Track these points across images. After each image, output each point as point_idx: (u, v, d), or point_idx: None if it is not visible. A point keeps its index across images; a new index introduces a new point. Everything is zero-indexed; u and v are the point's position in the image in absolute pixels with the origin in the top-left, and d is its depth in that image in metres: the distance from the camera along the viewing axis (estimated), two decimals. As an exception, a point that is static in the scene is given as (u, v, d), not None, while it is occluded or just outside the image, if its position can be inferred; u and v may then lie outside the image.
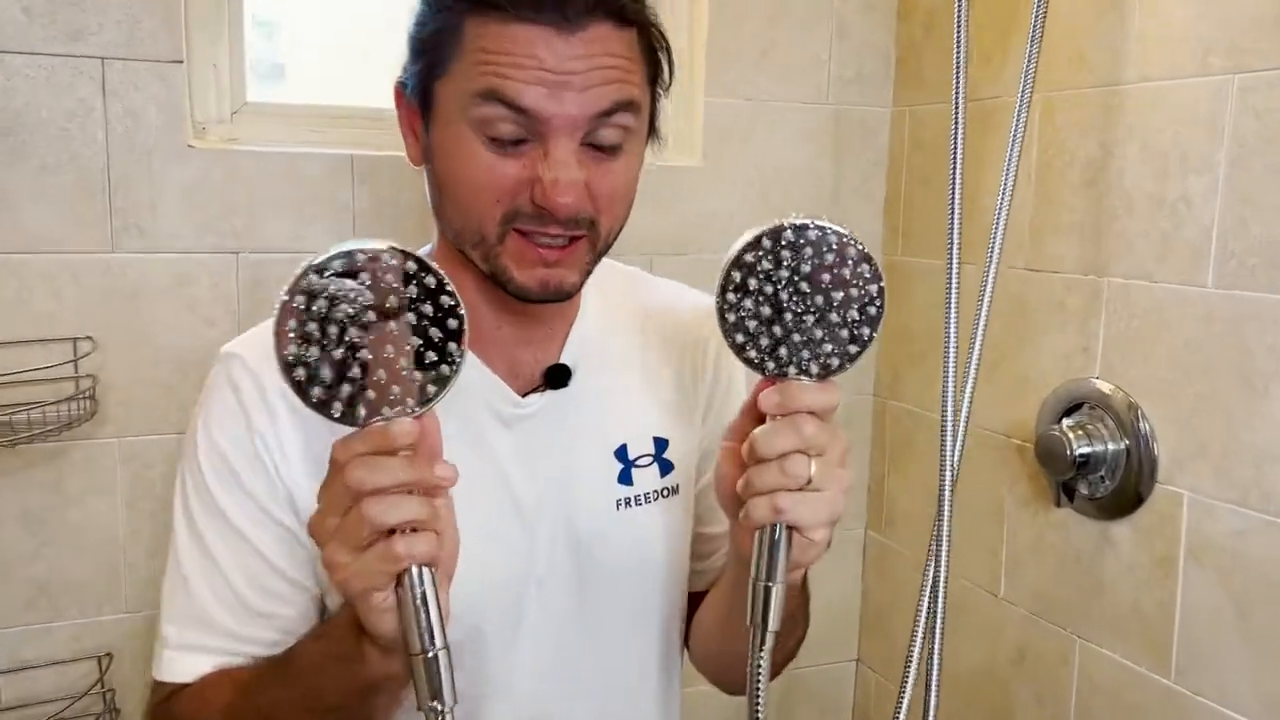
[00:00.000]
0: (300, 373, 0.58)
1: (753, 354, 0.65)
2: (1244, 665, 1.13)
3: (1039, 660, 1.41)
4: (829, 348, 0.65)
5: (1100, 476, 1.28)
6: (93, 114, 1.25)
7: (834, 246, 0.65)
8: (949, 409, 1.23)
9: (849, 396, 1.72)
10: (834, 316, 0.65)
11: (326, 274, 0.58)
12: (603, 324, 0.89)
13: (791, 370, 0.65)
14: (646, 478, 0.88)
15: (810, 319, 0.65)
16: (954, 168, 1.25)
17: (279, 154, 1.34)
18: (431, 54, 0.75)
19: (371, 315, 0.58)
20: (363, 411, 0.58)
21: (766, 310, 0.65)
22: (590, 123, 0.73)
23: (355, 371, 0.58)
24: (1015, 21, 1.39)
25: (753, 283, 0.65)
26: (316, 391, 0.58)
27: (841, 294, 0.65)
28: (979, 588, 1.51)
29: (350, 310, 0.58)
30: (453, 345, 0.60)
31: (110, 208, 1.27)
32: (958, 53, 1.21)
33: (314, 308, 0.57)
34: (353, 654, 0.65)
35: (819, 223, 0.65)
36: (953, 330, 1.24)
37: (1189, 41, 1.17)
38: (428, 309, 0.59)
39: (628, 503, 0.87)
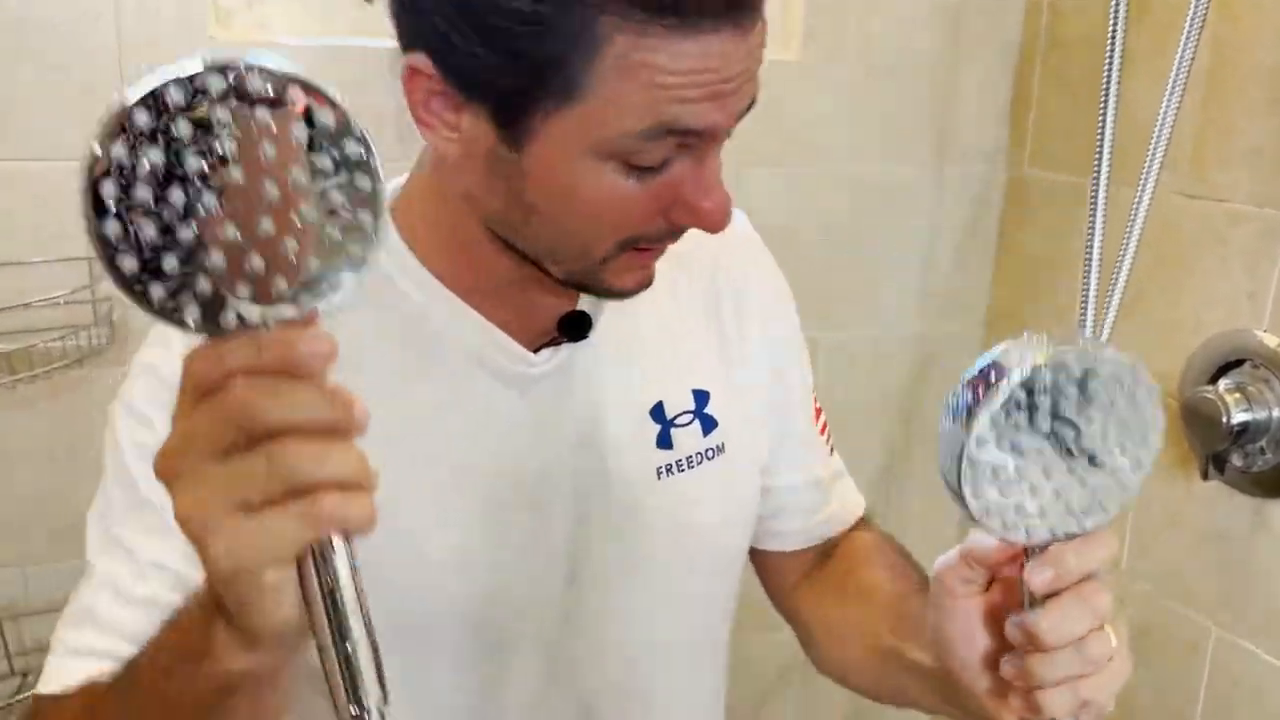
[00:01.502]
0: (129, 262, 0.39)
1: (1001, 524, 0.51)
2: None
3: (1164, 645, 1.24)
4: (1105, 495, 0.52)
5: (1260, 448, 1.08)
6: (103, 2, 1.10)
7: (1123, 389, 0.50)
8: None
9: (954, 327, 1.53)
10: (1108, 460, 0.51)
11: (162, 109, 0.38)
12: None
13: (1061, 530, 0.52)
14: (688, 438, 0.75)
15: (1080, 468, 0.51)
16: (1109, 69, 1.03)
17: (314, 47, 1.17)
18: (543, 72, 0.56)
19: (237, 173, 0.39)
20: (232, 316, 0.40)
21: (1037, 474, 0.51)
22: (737, 120, 0.61)
23: (217, 258, 0.39)
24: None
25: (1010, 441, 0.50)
26: (158, 290, 0.39)
27: (1114, 430, 0.51)
28: (1097, 555, 1.33)
29: (203, 166, 0.39)
30: (365, 215, 0.42)
31: (126, 109, 1.13)
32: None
33: (145, 162, 0.38)
34: (202, 647, 0.48)
35: (1106, 356, 0.49)
36: (1095, 263, 1.05)
37: None
38: (325, 162, 0.40)
39: (669, 470, 0.75)
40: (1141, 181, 1.06)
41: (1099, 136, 1.04)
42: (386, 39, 1.14)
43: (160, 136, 0.38)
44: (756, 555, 0.87)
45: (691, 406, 0.76)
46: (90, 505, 0.70)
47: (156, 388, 0.65)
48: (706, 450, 0.76)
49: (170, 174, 0.38)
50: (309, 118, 0.40)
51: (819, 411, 0.88)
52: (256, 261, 0.40)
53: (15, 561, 1.21)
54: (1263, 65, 1.07)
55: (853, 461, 1.64)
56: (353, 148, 0.41)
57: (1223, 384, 1.10)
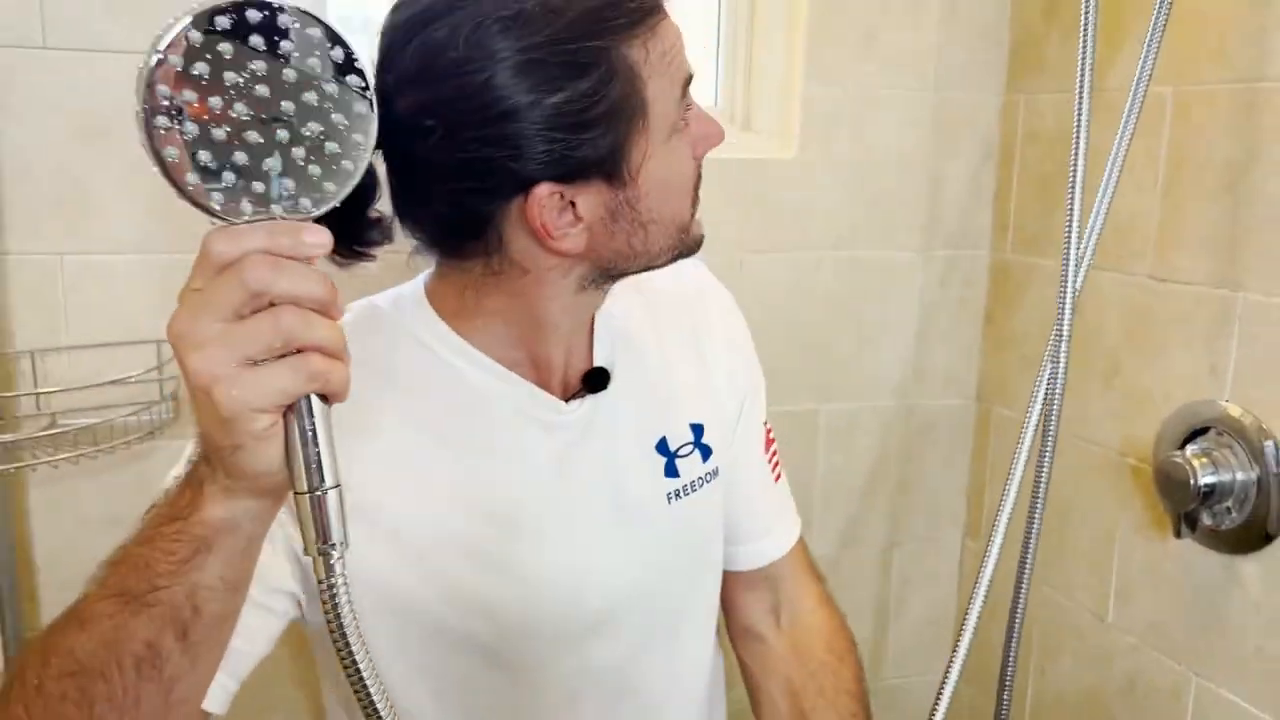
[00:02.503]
0: (173, 153, 0.49)
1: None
2: (1385, 726, 1.04)
3: (1150, 693, 1.33)
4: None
5: (1226, 507, 1.18)
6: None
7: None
8: (1053, 419, 1.14)
9: (948, 399, 1.63)
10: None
11: (212, 31, 0.48)
12: (620, 317, 0.89)
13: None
14: (690, 466, 0.89)
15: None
16: (1074, 164, 1.13)
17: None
18: (624, 112, 0.71)
19: (264, 89, 0.49)
20: (248, 206, 0.50)
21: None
22: None
23: (241, 156, 0.50)
24: (1148, 7, 1.28)
25: None
26: (191, 177, 0.49)
27: None
28: (1086, 611, 1.42)
29: (240, 79, 0.49)
30: (358, 136, 0.52)
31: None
32: (1084, 40, 1.11)
33: (194, 71, 0.48)
34: (187, 506, 0.57)
35: None
36: (1064, 338, 1.15)
37: (1350, 36, 1.05)
38: (331, 89, 0.51)
39: (676, 495, 0.88)
40: (1077, 259, 1.15)
41: (1067, 225, 1.14)
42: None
43: (207, 52, 0.48)
44: None
45: (690, 438, 0.90)
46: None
47: None
48: (705, 475, 0.90)
49: (211, 83, 0.49)
50: (324, 51, 0.50)
51: (770, 441, 1.01)
52: (272, 163, 0.50)
53: (79, 622, 1.30)
54: (1215, 160, 1.20)
55: (854, 526, 1.74)
56: (354, 79, 0.51)
57: (1190, 449, 1.20)
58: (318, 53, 0.51)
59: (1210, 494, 1.17)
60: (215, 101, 0.49)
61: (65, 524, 1.26)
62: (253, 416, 0.50)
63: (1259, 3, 1.14)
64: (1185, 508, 1.19)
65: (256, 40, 0.49)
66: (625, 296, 0.88)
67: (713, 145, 0.79)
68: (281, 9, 0.50)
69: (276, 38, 0.50)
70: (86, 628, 0.59)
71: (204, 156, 0.49)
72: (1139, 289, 1.30)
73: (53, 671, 0.59)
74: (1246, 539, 1.17)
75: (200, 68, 0.49)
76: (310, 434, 0.52)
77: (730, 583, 1.00)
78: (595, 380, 0.85)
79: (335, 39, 0.51)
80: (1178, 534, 1.22)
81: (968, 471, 1.67)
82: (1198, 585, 1.24)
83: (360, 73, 0.52)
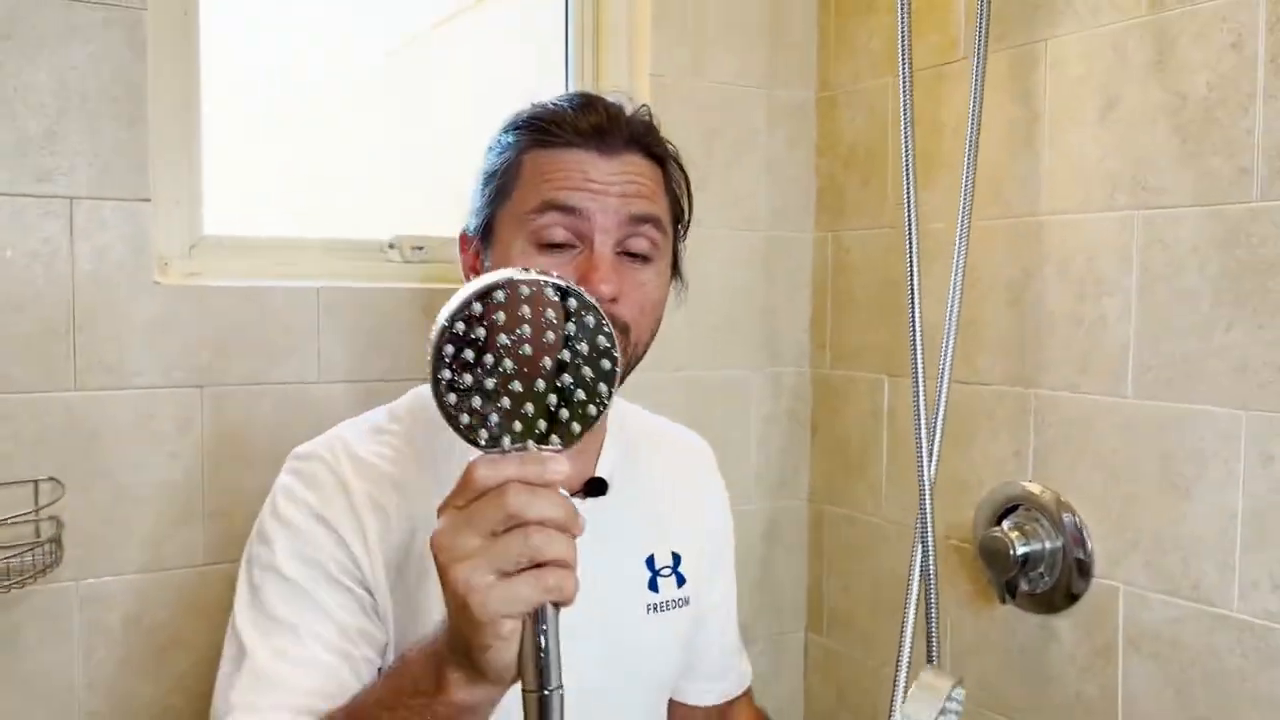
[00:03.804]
0: (452, 398, 0.58)
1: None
2: (1187, 744, 1.23)
3: (989, 750, 1.49)
4: None
5: (1040, 573, 1.38)
6: (59, 253, 1.24)
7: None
8: (928, 514, 1.31)
9: (786, 501, 1.80)
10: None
11: (488, 302, 0.58)
12: (625, 447, 1.00)
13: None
14: (668, 587, 0.99)
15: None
16: (911, 287, 1.34)
17: (243, 288, 1.34)
18: (497, 186, 0.90)
19: (528, 349, 0.59)
20: (507, 441, 0.59)
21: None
22: (624, 227, 0.87)
23: (505, 401, 0.58)
24: (936, 156, 1.54)
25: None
26: (465, 418, 0.58)
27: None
28: (925, 683, 1.58)
29: (509, 341, 0.58)
30: (603, 386, 0.61)
31: (74, 346, 1.25)
32: (907, 183, 1.34)
33: (473, 335, 0.58)
34: (432, 686, 0.65)
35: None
36: (925, 440, 1.34)
37: (1097, 179, 1.32)
38: (583, 347, 0.60)
39: (654, 608, 0.97)
40: (922, 373, 1.37)
41: (911, 340, 1.35)
42: (305, 280, 1.44)
43: (484, 320, 0.58)
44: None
45: (671, 563, 1.00)
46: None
47: (298, 538, 0.86)
48: (679, 599, 1.00)
49: (485, 344, 0.58)
50: (579, 317, 0.60)
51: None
52: (529, 408, 0.59)
53: (-67, 791, 1.21)
54: (1000, 280, 1.44)
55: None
56: (602, 341, 0.60)
57: (1006, 524, 1.40)
58: (574, 319, 0.60)
59: (1026, 561, 1.37)
60: (488, 359, 0.58)
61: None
62: (501, 622, 0.58)
63: (1025, 157, 1.41)
64: (1007, 575, 1.38)
65: (525, 310, 0.59)
66: (638, 432, 0.99)
67: (590, 291, 0.90)
68: (548, 284, 0.59)
69: (542, 306, 0.59)
70: None
71: (476, 401, 0.58)
72: (951, 391, 1.52)
73: None
74: (1057, 600, 1.37)
75: (479, 332, 0.58)
76: (542, 638, 0.59)
77: (685, 709, 1.10)
78: (595, 487, 0.95)
79: (588, 306, 0.60)
80: (1002, 600, 1.41)
81: (805, 567, 1.83)
82: (1022, 645, 1.43)
83: (609, 335, 0.61)
